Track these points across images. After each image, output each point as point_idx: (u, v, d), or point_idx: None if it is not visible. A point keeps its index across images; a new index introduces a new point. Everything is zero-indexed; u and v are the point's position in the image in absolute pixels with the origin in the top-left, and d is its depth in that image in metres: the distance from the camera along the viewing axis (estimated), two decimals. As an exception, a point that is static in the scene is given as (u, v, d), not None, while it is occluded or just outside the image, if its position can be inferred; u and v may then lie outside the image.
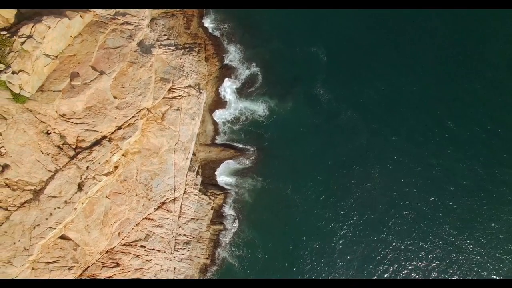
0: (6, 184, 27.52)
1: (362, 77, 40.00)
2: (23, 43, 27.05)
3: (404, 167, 38.84)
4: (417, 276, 37.03)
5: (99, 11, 32.90)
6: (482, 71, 40.95)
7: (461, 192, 38.41)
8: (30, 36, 27.21)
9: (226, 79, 38.51)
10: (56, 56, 29.96)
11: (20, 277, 27.48)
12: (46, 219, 28.39)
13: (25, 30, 27.27)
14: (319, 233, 37.47)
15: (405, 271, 37.10)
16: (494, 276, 36.81)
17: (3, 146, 27.24)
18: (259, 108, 39.19)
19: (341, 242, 37.48)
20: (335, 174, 38.63)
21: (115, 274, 32.69)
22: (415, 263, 37.23)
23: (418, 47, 41.25)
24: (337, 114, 39.95)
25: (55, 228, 28.54)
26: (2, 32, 27.11)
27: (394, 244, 37.53)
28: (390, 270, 37.15)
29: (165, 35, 36.06)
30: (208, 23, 39.44)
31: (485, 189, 38.36)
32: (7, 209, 27.40)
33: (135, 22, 34.42)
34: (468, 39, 41.77)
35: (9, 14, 27.69)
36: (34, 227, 27.95)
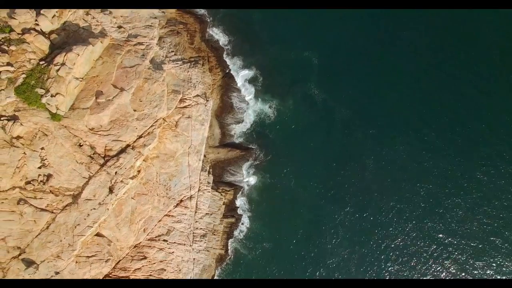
0: (51, 191, 34.65)
1: (351, 76, 46.92)
2: (58, 70, 34.09)
3: (396, 156, 45.32)
4: (416, 267, 42.34)
5: (114, 35, 40.14)
6: (464, 66, 47.66)
7: (452, 180, 44.38)
8: (63, 64, 34.25)
9: (229, 86, 45.58)
10: (83, 78, 37.12)
11: (67, 269, 34.65)
12: (85, 219, 35.50)
13: (59, 59, 34.34)
14: (320, 221, 43.62)
15: (403, 260, 42.70)
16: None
17: (46, 159, 34.36)
18: (261, 110, 46.01)
19: (341, 230, 43.43)
20: (334, 167, 45.04)
21: (143, 266, 39.75)
22: (409, 251, 42.74)
23: (401, 44, 48.25)
24: (332, 111, 46.63)
25: (92, 227, 35.63)
26: (41, 62, 34.26)
27: (388, 232, 43.23)
28: (388, 257, 42.82)
29: (172, 51, 43.18)
30: (210, 37, 46.58)
31: (480, 182, 44.02)
32: (52, 212, 34.54)
33: (146, 42, 41.55)
34: (453, 40, 48.59)
35: (45, 46, 34.82)
36: (75, 226, 35.05)
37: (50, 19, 35.33)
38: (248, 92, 46.28)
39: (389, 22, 49.26)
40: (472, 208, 43.60)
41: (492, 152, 44.90)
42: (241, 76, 46.54)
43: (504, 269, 41.77)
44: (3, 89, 32.19)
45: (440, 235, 43.01)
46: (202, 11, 48.02)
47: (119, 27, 40.97)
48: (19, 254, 32.85)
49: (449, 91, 46.89)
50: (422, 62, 47.64)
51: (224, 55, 46.44)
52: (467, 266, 42.23)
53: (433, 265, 42.43)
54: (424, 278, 42.21)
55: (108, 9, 40.99)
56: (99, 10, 40.58)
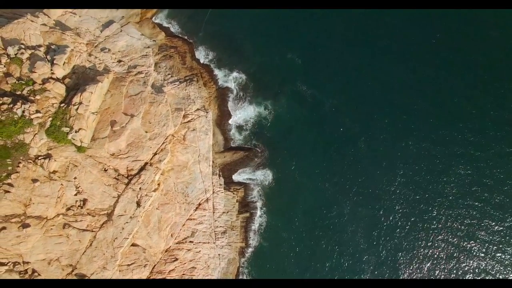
0: (88, 213, 41.68)
1: (333, 70, 53.57)
2: (77, 108, 41.10)
3: (383, 134, 51.48)
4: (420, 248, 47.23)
5: (117, 69, 47.25)
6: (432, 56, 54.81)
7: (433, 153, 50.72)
8: (80, 103, 41.28)
9: (224, 96, 52.54)
10: (97, 112, 44.20)
11: (113, 278, 41.67)
12: (120, 232, 42.44)
13: (76, 99, 41.37)
14: (327, 207, 48.91)
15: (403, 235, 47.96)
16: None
17: (79, 186, 41.38)
18: (257, 112, 52.29)
19: (346, 215, 48.65)
20: (331, 152, 50.97)
21: (176, 267, 46.55)
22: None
23: (373, 37, 55.53)
24: (322, 104, 52.82)
25: (128, 238, 42.50)
26: (62, 105, 41.36)
27: (383, 210, 48.53)
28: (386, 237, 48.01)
29: (169, 74, 50.28)
30: (198, 55, 53.68)
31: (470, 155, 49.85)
32: (92, 231, 41.55)
33: (145, 70, 48.63)
34: (423, 34, 55.88)
35: (62, 90, 41.87)
36: (114, 240, 42.02)
37: (62, 66, 42.42)
38: (242, 98, 53.20)
39: (358, 19, 56.61)
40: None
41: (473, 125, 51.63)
42: (234, 84, 53.44)
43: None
44: (36, 133, 39.26)
45: (435, 210, 48.54)
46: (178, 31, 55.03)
47: (119, 61, 48.07)
48: (72, 271, 39.76)
49: (419, 75, 53.95)
50: (394, 51, 54.91)
51: (214, 69, 53.58)
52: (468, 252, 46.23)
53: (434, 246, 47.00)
54: (426, 263, 46.27)
55: (107, 47, 48.27)
56: (99, 49, 47.86)
